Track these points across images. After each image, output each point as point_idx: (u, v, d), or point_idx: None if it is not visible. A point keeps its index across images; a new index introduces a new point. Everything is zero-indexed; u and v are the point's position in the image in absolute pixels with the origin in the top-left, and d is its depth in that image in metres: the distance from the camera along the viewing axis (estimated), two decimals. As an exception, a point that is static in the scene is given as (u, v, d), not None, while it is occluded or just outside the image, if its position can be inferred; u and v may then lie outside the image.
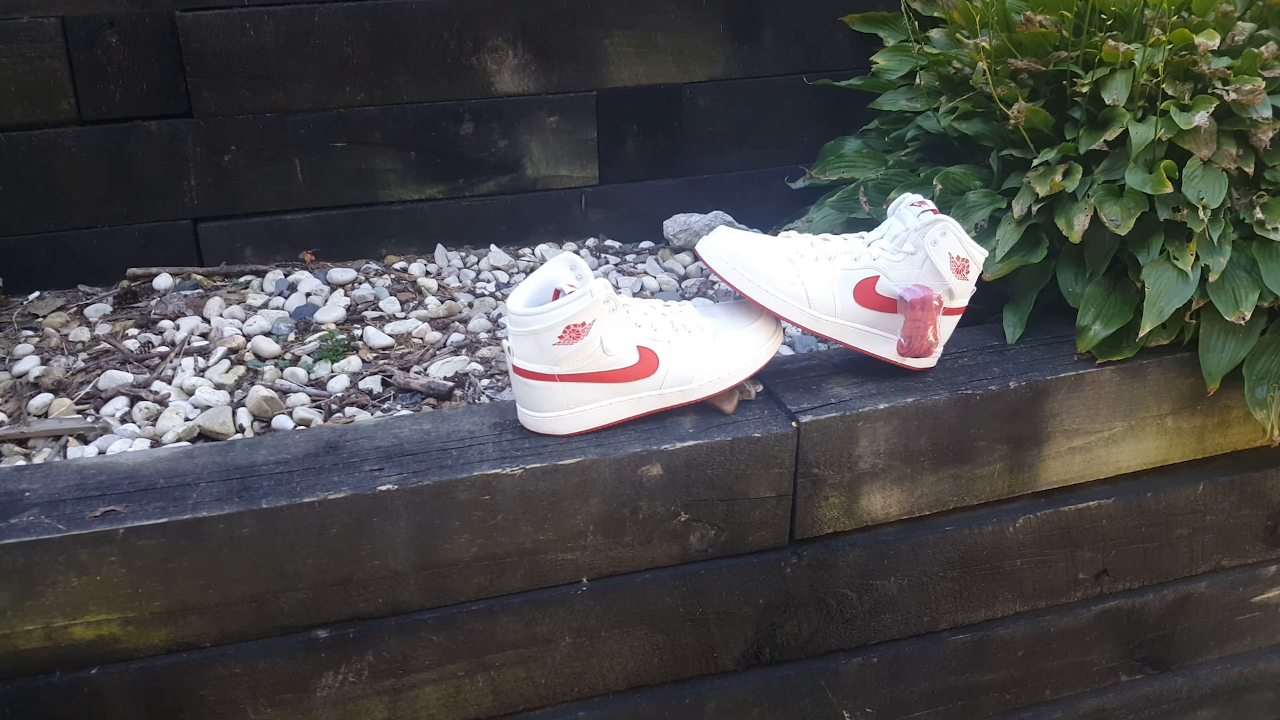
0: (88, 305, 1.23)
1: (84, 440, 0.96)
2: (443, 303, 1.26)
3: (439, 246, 1.40)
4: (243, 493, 0.78)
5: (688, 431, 0.87)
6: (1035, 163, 1.05)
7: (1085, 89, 1.07)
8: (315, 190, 1.35)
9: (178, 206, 1.31)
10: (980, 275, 0.98)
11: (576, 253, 1.43)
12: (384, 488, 0.79)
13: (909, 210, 0.90)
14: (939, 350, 0.94)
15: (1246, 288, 0.93)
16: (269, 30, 1.26)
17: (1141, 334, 0.92)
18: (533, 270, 1.38)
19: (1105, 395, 0.97)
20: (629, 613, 0.90)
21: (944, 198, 1.08)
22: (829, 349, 1.04)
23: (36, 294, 1.27)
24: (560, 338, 0.81)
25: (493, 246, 1.43)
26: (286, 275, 1.32)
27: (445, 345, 1.15)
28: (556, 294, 0.83)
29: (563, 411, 0.84)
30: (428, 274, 1.36)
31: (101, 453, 0.95)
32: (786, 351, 1.14)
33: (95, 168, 1.26)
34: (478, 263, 1.39)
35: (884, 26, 1.42)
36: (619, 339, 0.83)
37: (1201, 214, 0.94)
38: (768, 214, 1.48)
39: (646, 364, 0.85)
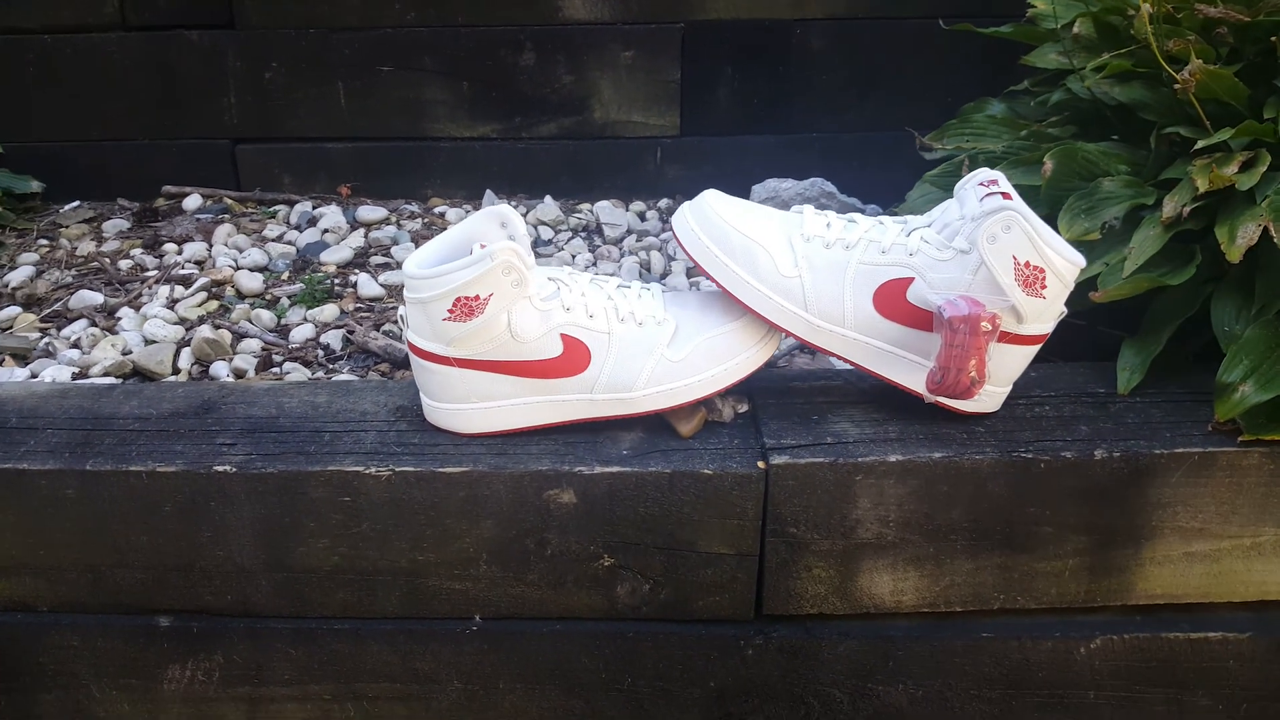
0: (106, 220, 1.20)
1: (23, 360, 0.92)
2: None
3: (487, 192, 1.27)
4: (79, 448, 0.69)
5: (619, 453, 0.68)
6: (1200, 145, 0.76)
7: None
8: (359, 118, 1.25)
9: (217, 125, 1.25)
10: (1090, 295, 0.72)
11: (642, 215, 1.26)
12: (220, 469, 0.67)
13: (973, 191, 0.66)
14: (1003, 392, 0.69)
15: None
16: (314, -67, 1.17)
17: (1312, 408, 0.63)
18: (586, 228, 1.22)
19: (1249, 488, 0.68)
20: (534, 667, 0.74)
21: (1062, 183, 0.81)
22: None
23: (76, 203, 1.27)
24: (450, 312, 0.65)
25: (547, 198, 1.28)
26: (315, 208, 1.24)
27: (436, 305, 1.02)
28: (473, 256, 0.67)
29: (463, 405, 0.69)
30: (466, 222, 1.23)
31: (34, 376, 0.90)
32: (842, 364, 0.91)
33: (136, 77, 1.22)
34: (525, 215, 1.25)
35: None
36: (535, 323, 0.66)
37: None
38: (890, 187, 1.23)
39: (574, 358, 0.67)
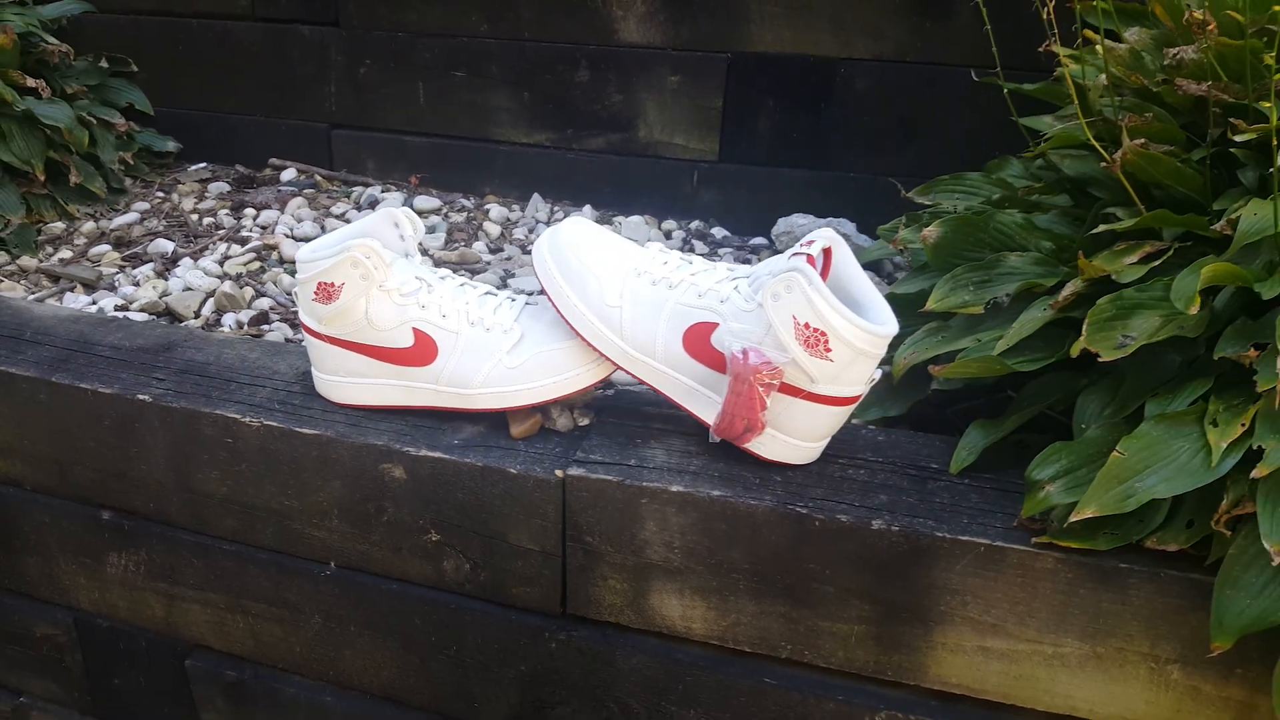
0: (213, 181, 1.43)
1: (90, 288, 1.14)
2: (492, 250, 1.25)
3: (535, 196, 1.39)
4: (58, 363, 0.87)
5: (451, 442, 0.77)
6: (1100, 230, 0.74)
7: (1251, 138, 0.72)
8: (434, 116, 1.41)
9: (319, 110, 1.45)
10: (930, 368, 0.73)
11: (669, 235, 1.33)
12: (142, 397, 0.83)
13: (795, 249, 0.69)
14: (808, 446, 0.72)
15: (1310, 505, 0.57)
16: (405, -51, 1.33)
17: (1077, 516, 0.61)
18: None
19: (1046, 593, 0.67)
20: (378, 617, 0.85)
21: (962, 251, 0.81)
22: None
23: (203, 165, 1.51)
24: (315, 295, 0.77)
25: (587, 207, 1.38)
26: (383, 192, 1.41)
27: (430, 291, 1.15)
28: (361, 250, 0.79)
29: (334, 377, 0.81)
30: (508, 220, 1.35)
31: (93, 303, 1.11)
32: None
33: (259, 62, 1.45)
34: (563, 219, 1.35)
35: (1127, 19, 1.08)
36: (390, 313, 0.77)
37: (1284, 364, 0.59)
38: (926, 239, 1.23)
39: (423, 351, 0.77)
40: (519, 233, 1.32)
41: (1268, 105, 0.72)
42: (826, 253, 0.70)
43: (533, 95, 1.36)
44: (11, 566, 0.97)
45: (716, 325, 0.70)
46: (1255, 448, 0.59)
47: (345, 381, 0.80)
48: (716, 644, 0.76)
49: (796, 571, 0.71)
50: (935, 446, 0.77)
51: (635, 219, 1.34)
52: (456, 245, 1.26)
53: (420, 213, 1.36)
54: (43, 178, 1.25)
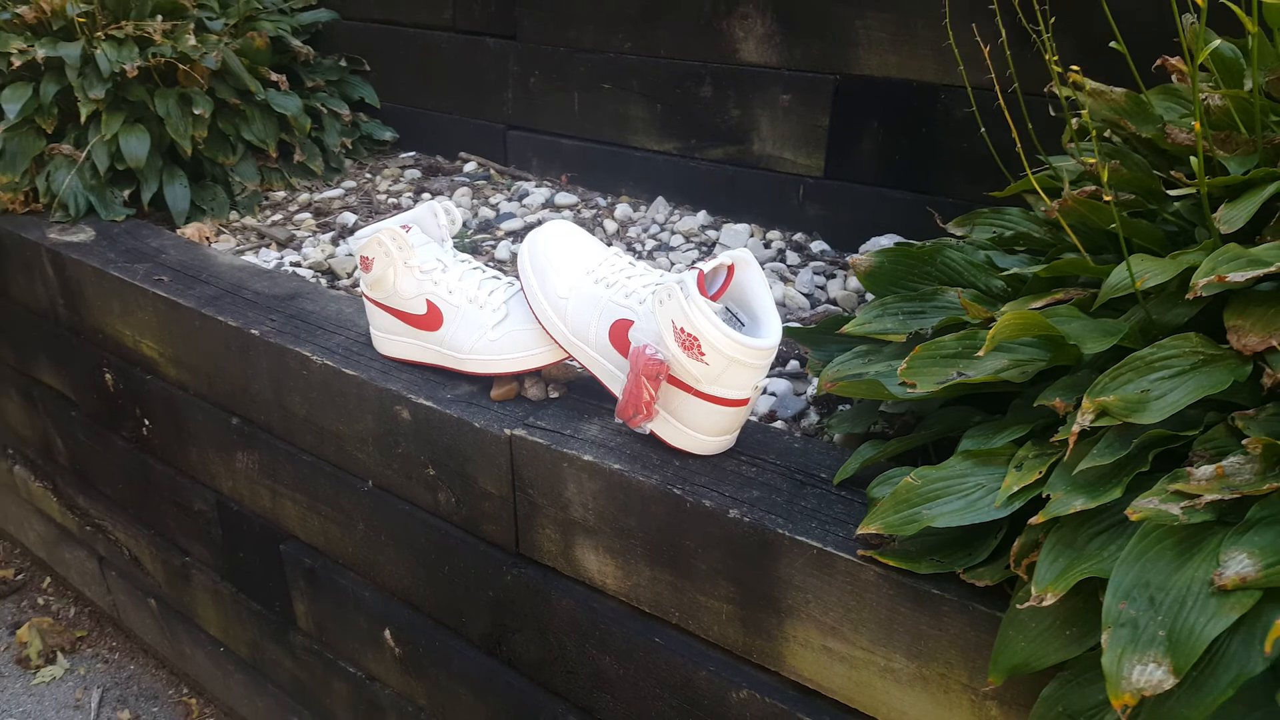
0: (409, 168, 1.71)
1: (281, 245, 1.45)
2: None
3: (659, 199, 1.53)
4: (215, 299, 1.16)
5: (446, 396, 0.95)
6: (1010, 271, 0.77)
7: (1189, 193, 0.73)
8: (585, 123, 1.60)
9: (499, 113, 1.69)
10: (822, 382, 0.80)
11: (768, 244, 1.42)
12: (253, 331, 1.08)
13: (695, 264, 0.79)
14: (705, 439, 0.82)
15: (1070, 559, 0.59)
16: (567, -26, 1.53)
17: (861, 530, 0.67)
18: (712, 244, 1.44)
19: (872, 605, 0.72)
20: (398, 533, 1.05)
21: (900, 280, 0.85)
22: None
23: (412, 154, 1.81)
24: (360, 265, 0.97)
25: (702, 212, 1.50)
26: (536, 187, 1.62)
27: (529, 274, 1.34)
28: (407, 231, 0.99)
29: (377, 332, 1.01)
30: (629, 220, 1.51)
31: (280, 257, 1.42)
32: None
33: (456, 68, 1.71)
34: (677, 222, 1.49)
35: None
36: (411, 285, 0.96)
37: (1083, 416, 0.61)
38: (1018, 271, 1.23)
39: (433, 319, 0.96)
40: (633, 231, 1.47)
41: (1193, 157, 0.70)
42: (730, 269, 0.79)
43: (664, 107, 1.50)
44: (183, 451, 1.29)
45: (632, 323, 0.82)
46: (1044, 495, 0.62)
47: (385, 336, 1.01)
48: (625, 600, 0.88)
49: (677, 546, 0.81)
50: (834, 456, 0.83)
51: (741, 227, 1.44)
52: (569, 237, 1.44)
53: (558, 208, 1.55)
54: (275, 155, 1.58)
